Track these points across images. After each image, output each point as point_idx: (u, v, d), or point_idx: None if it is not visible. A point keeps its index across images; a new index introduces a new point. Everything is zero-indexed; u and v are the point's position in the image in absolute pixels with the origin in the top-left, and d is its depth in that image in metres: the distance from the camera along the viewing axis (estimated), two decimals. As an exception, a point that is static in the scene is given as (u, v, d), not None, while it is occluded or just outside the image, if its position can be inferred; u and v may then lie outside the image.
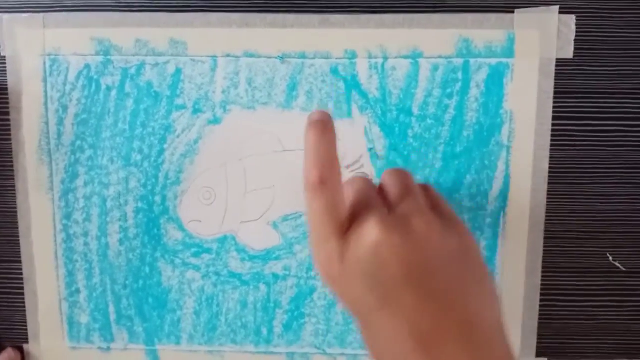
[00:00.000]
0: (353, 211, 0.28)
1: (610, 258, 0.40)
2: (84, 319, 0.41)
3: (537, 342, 0.40)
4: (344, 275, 0.27)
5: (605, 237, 0.39)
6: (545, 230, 0.39)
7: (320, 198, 0.27)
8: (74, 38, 0.39)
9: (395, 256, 0.26)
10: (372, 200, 0.29)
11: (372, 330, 0.27)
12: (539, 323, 0.40)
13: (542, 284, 0.40)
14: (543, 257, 0.39)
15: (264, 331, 0.41)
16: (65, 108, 0.39)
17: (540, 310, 0.40)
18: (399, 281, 0.26)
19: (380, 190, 0.31)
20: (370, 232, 0.27)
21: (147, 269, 0.40)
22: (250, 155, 0.39)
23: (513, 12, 0.37)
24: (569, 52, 0.38)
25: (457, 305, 0.26)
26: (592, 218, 0.39)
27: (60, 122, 0.39)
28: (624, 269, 0.40)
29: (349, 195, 0.29)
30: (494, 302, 0.28)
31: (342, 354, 0.41)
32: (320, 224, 0.27)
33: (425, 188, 0.32)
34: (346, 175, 0.39)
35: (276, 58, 0.38)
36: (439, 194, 0.32)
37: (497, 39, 0.38)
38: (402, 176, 0.31)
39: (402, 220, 0.27)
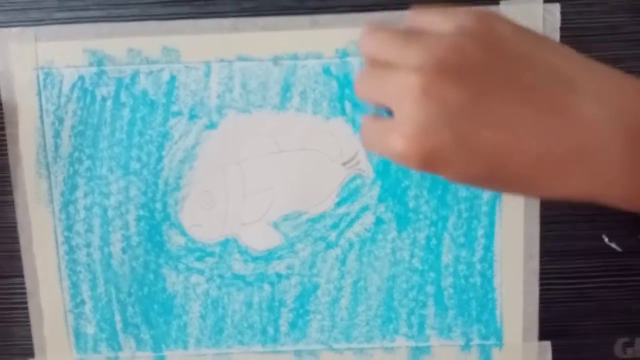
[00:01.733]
0: (376, 93, 0.26)
1: (606, 239, 0.40)
2: (90, 329, 0.41)
3: (539, 327, 0.41)
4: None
5: (600, 219, 0.40)
6: (541, 215, 0.40)
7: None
8: (67, 50, 0.39)
9: (447, 89, 0.24)
10: (383, 67, 0.26)
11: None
12: (540, 307, 0.41)
13: (540, 269, 0.40)
14: (540, 242, 0.40)
15: (270, 330, 0.41)
16: (61, 120, 0.39)
17: (540, 295, 0.40)
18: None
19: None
20: (405, 84, 0.24)
21: (151, 276, 0.41)
22: (247, 157, 0.40)
23: (498, 3, 0.38)
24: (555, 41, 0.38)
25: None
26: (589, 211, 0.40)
27: (57, 134, 0.39)
28: (620, 250, 0.40)
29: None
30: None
31: (349, 349, 0.41)
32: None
33: (414, 30, 0.27)
34: (343, 172, 0.40)
35: (269, 61, 0.39)
36: None
37: (484, 31, 0.38)
38: (384, 32, 0.26)
39: (424, 56, 0.24)
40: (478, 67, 0.24)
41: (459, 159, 0.24)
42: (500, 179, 0.25)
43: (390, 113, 0.26)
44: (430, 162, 0.24)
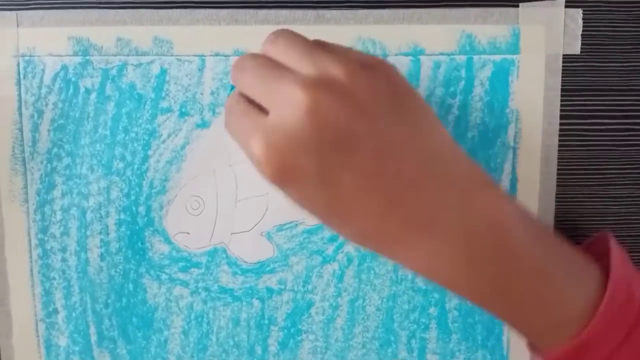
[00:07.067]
0: (258, 90, 0.25)
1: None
2: (63, 341, 0.38)
3: None
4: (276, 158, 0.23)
5: (617, 241, 0.37)
6: (555, 236, 0.37)
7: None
8: (50, 37, 0.36)
9: (332, 116, 0.23)
10: (275, 69, 0.24)
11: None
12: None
13: (552, 293, 0.37)
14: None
15: (258, 350, 0.38)
16: (40, 113, 0.36)
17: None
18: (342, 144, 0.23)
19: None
20: (292, 95, 0.23)
21: (131, 286, 0.37)
22: (241, 160, 0.37)
23: (518, 6, 0.36)
24: (576, 48, 0.36)
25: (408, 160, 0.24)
26: (604, 221, 0.37)
27: (35, 128, 0.36)
28: (638, 275, 0.38)
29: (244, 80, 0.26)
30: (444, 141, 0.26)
31: (343, 373, 0.38)
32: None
33: (320, 43, 0.26)
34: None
35: (268, 57, 0.36)
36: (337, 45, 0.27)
37: (501, 34, 0.36)
38: (291, 36, 0.25)
39: (320, 74, 0.23)
40: (366, 104, 0.23)
41: (311, 189, 0.23)
42: (338, 221, 0.25)
43: None
44: (282, 179, 0.24)
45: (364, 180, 0.23)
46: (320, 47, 0.25)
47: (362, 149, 0.23)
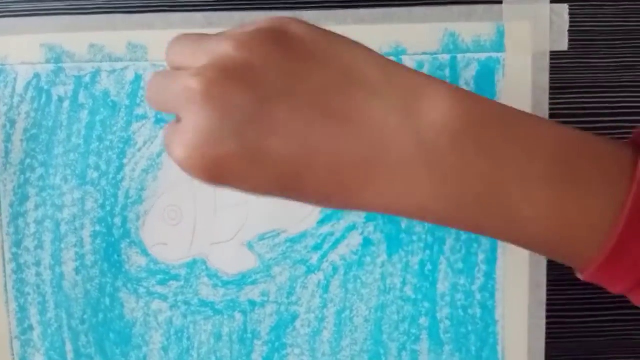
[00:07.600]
0: (164, 103, 0.24)
1: (621, 267, 0.36)
2: (39, 359, 0.37)
3: (546, 365, 0.37)
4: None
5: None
6: (549, 240, 0.36)
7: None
8: (22, 45, 0.35)
9: (231, 93, 0.22)
10: (171, 75, 0.24)
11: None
12: (547, 343, 0.37)
13: (547, 299, 0.36)
14: (547, 268, 0.36)
15: (242, 366, 0.37)
16: (13, 123, 0.35)
17: (547, 329, 0.37)
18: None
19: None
20: (188, 91, 0.22)
21: (108, 301, 0.36)
22: (220, 168, 0.36)
23: (501, 2, 0.35)
24: (563, 44, 0.35)
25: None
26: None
27: (8, 138, 0.35)
28: (636, 279, 0.36)
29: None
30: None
31: (331, 388, 0.37)
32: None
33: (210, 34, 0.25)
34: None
35: (246, 60, 0.35)
36: None
37: (485, 32, 0.35)
38: (182, 38, 0.25)
39: (210, 59, 0.23)
40: (265, 68, 0.22)
41: (247, 171, 0.22)
42: (295, 191, 0.23)
43: None
44: (215, 174, 0.22)
45: (292, 141, 0.22)
46: (208, 35, 0.24)
47: (278, 109, 0.22)
